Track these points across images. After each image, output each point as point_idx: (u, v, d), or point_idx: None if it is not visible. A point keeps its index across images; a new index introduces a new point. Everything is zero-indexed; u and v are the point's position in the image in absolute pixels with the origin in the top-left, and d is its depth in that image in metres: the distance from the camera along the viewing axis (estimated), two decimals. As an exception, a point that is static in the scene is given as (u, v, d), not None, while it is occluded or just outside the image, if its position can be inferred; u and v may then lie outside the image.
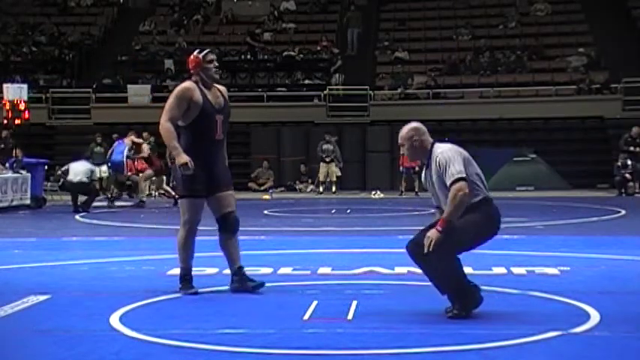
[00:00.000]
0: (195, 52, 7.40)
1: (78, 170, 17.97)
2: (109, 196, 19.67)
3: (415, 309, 6.51)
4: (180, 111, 7.13)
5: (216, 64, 7.37)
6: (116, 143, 20.12)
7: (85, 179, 17.86)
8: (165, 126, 7.12)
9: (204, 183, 7.13)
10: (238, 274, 7.30)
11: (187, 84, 7.26)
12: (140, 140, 20.53)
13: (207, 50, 7.44)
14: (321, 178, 24.72)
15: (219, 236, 7.33)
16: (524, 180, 24.73)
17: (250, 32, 31.81)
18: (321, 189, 24.69)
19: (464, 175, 5.91)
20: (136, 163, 19.79)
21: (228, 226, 7.28)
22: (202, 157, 7.12)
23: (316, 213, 18.17)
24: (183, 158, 7.02)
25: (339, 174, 25.10)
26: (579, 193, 23.32)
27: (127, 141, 19.74)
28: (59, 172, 18.87)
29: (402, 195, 23.23)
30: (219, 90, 7.40)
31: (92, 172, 18.18)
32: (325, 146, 24.73)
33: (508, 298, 7.01)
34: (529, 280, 7.86)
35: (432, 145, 6.19)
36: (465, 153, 6.15)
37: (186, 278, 7.28)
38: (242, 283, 7.26)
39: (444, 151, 6.10)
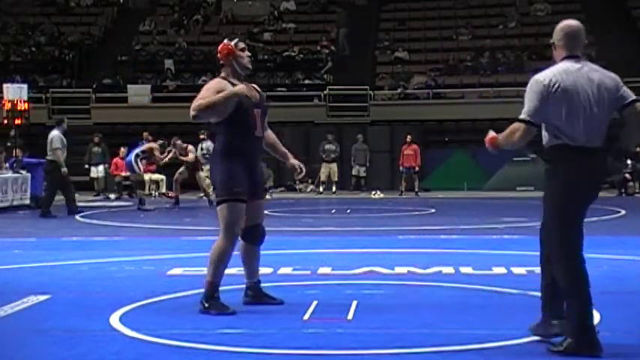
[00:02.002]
0: (225, 40, 6.72)
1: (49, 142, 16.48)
2: (108, 196, 19.53)
3: (415, 309, 6.51)
4: None
5: (249, 54, 6.74)
6: (139, 143, 19.17)
7: (49, 156, 16.39)
8: (196, 102, 6.33)
9: (246, 185, 6.43)
10: (254, 288, 6.75)
11: (219, 80, 6.57)
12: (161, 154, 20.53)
13: (237, 39, 6.77)
14: (323, 178, 24.74)
15: (241, 245, 6.73)
16: (524, 180, 24.70)
17: (250, 32, 31.81)
18: (321, 189, 24.70)
19: (524, 118, 5.49)
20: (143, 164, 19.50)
21: (254, 239, 6.71)
22: (244, 158, 6.47)
23: (316, 213, 18.17)
24: (235, 88, 6.37)
25: (364, 175, 25.50)
26: (579, 193, 23.27)
27: (147, 147, 18.87)
28: None
29: (402, 195, 23.24)
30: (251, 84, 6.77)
31: (51, 140, 16.24)
32: (327, 146, 24.78)
33: (508, 298, 7.01)
34: (529, 280, 7.82)
35: (561, 59, 5.64)
36: (555, 82, 5.55)
37: (215, 296, 6.39)
38: (258, 299, 6.70)
39: (531, 81, 5.65)
